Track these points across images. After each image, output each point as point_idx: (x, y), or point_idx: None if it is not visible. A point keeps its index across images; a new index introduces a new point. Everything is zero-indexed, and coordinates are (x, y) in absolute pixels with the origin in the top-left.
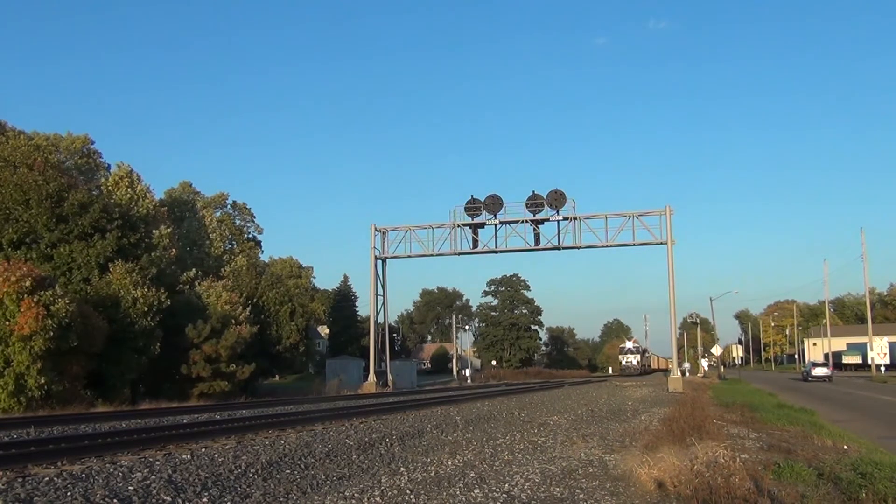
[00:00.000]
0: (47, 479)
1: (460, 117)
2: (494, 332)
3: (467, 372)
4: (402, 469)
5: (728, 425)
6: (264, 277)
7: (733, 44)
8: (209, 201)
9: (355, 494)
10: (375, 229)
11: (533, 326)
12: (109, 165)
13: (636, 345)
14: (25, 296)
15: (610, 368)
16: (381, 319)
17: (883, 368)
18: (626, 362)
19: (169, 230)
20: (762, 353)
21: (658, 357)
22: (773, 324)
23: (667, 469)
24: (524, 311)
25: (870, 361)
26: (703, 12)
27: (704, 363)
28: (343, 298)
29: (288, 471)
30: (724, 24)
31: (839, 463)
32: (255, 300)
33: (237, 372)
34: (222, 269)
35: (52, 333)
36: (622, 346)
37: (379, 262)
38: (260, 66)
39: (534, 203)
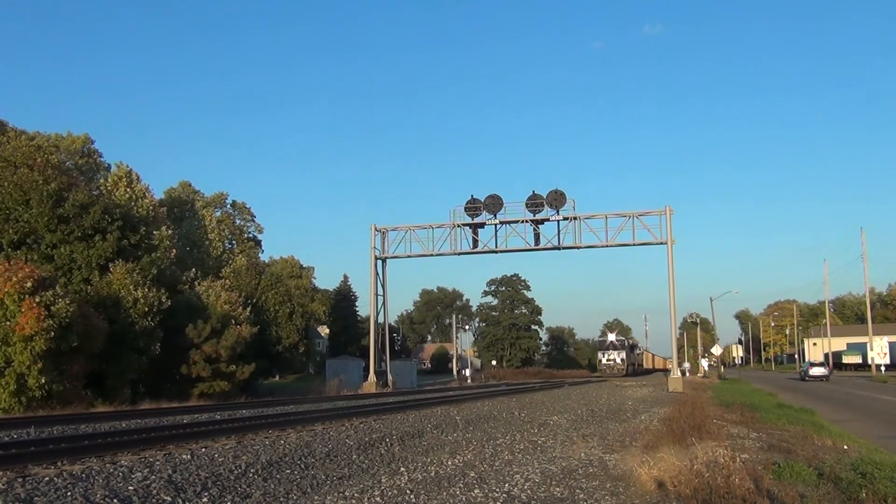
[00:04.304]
0: (47, 479)
1: (460, 117)
2: (494, 332)
3: (467, 372)
4: (402, 469)
5: (728, 425)
6: (264, 277)
7: (728, 45)
8: (209, 201)
9: (355, 494)
10: (375, 229)
11: (533, 326)
12: (109, 165)
13: (621, 338)
14: (26, 296)
15: None
16: (381, 319)
17: (883, 368)
18: (608, 360)
19: (169, 231)
20: (762, 352)
21: (655, 356)
22: (772, 324)
23: (667, 469)
24: (524, 311)
25: (870, 361)
26: (696, 18)
27: (704, 363)
28: (343, 298)
29: (288, 471)
30: (719, 26)
31: (839, 463)
32: (254, 300)
33: (237, 372)
34: (222, 269)
35: (52, 334)
36: (602, 339)
37: (379, 262)
38: (260, 65)
39: (534, 203)
